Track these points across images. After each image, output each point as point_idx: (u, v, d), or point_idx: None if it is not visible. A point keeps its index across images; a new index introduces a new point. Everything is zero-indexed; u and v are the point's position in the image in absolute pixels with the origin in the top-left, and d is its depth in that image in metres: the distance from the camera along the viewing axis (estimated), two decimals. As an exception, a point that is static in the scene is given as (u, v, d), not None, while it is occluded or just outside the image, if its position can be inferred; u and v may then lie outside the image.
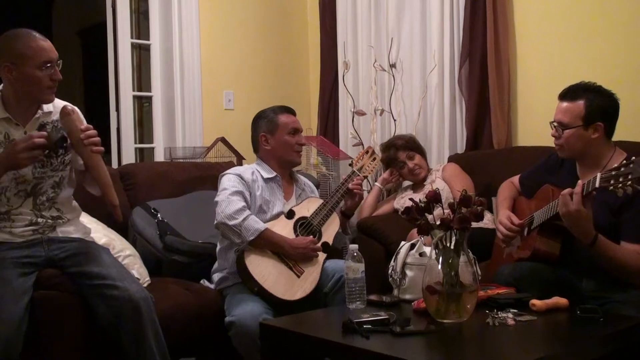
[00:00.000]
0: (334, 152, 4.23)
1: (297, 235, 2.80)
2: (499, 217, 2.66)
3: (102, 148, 2.36)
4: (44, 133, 2.31)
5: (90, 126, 2.36)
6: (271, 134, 2.93)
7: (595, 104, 2.41)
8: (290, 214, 2.85)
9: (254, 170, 2.93)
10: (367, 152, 3.11)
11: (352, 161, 3.14)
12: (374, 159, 3.10)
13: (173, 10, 4.11)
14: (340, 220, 2.98)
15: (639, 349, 2.09)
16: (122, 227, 3.05)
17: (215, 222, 2.75)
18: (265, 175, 2.91)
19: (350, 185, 2.93)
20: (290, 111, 3.02)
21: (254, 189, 2.87)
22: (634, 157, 2.05)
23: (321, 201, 2.93)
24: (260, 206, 2.85)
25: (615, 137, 2.50)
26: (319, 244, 2.81)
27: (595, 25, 3.44)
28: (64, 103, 2.44)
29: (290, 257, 2.73)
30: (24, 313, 2.23)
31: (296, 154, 2.98)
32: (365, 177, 3.12)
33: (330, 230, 2.89)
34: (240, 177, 2.85)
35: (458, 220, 2.03)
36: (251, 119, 4.46)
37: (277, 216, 2.85)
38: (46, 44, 2.34)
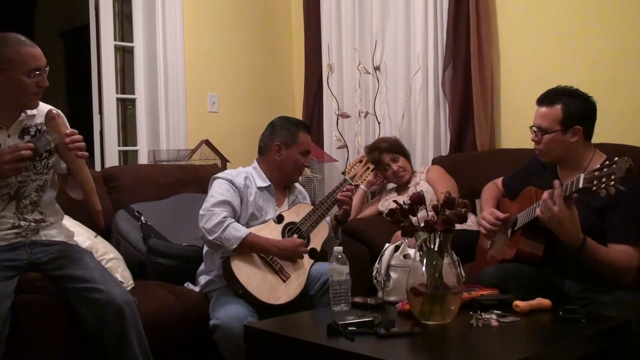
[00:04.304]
0: (318, 154, 4.23)
1: None
2: (482, 214, 2.68)
3: (86, 153, 2.35)
4: (31, 145, 2.28)
5: (76, 131, 2.35)
6: (286, 147, 2.91)
7: (573, 108, 2.43)
8: (279, 219, 2.84)
9: (248, 175, 2.91)
10: (360, 161, 3.10)
11: (344, 169, 3.13)
12: (368, 168, 3.09)
13: (157, 13, 4.09)
14: (332, 225, 2.98)
15: (621, 349, 2.11)
16: (106, 230, 3.03)
17: (199, 235, 2.75)
18: (259, 184, 2.90)
19: (338, 196, 2.92)
20: (309, 130, 3.03)
21: (246, 194, 2.85)
22: (616, 158, 2.07)
23: (311, 207, 2.93)
24: (253, 213, 2.84)
25: (595, 140, 2.52)
26: (307, 250, 2.80)
27: (576, 29, 3.47)
28: (48, 107, 2.42)
29: (277, 258, 2.72)
30: (6, 317, 2.21)
31: (299, 173, 3.01)
32: (357, 185, 3.11)
33: (319, 237, 2.88)
34: (232, 182, 2.83)
35: (442, 222, 2.04)
36: (235, 122, 4.51)
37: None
38: (36, 50, 2.33)
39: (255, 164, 2.99)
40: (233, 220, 2.72)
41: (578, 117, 2.44)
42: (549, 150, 2.48)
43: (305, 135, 2.95)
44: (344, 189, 2.93)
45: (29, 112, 2.42)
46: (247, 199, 2.85)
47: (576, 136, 2.44)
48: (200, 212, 2.74)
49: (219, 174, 2.91)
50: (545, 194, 2.26)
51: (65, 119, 2.42)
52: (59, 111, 2.40)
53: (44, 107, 2.43)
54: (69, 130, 2.34)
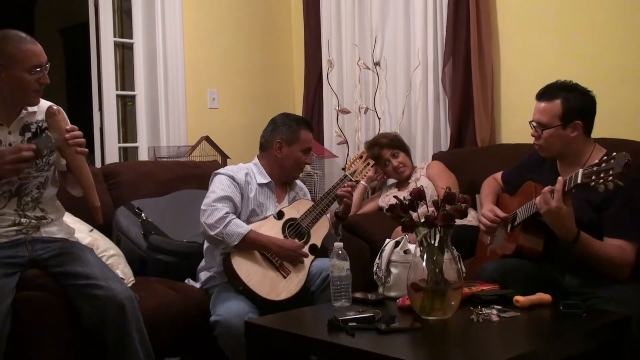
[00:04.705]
0: (318, 150, 4.23)
1: (285, 236, 2.79)
2: (482, 210, 2.68)
3: (86, 149, 2.35)
4: (33, 146, 2.28)
5: (76, 127, 2.35)
6: (288, 144, 2.91)
7: (572, 103, 2.43)
8: (279, 215, 2.84)
9: (248, 171, 2.91)
10: (360, 156, 3.10)
11: (345, 165, 3.13)
12: (368, 163, 3.08)
13: (156, 9, 4.08)
14: (333, 221, 2.98)
15: (621, 344, 2.12)
16: (106, 227, 3.04)
17: (200, 230, 2.75)
18: (260, 180, 2.90)
19: (339, 191, 2.92)
20: (311, 128, 3.01)
21: (247, 190, 2.86)
22: (614, 153, 2.07)
23: (311, 203, 2.93)
24: (253, 209, 2.85)
25: (595, 134, 2.52)
26: (307, 246, 2.80)
27: (576, 24, 3.47)
28: (48, 103, 2.42)
29: (278, 257, 2.72)
30: (7, 314, 2.22)
31: (300, 170, 3.01)
32: (358, 181, 3.12)
33: (319, 233, 2.88)
34: (233, 178, 2.84)
35: (442, 218, 2.04)
36: (235, 118, 4.51)
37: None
38: (37, 47, 2.32)
39: (256, 160, 2.99)
40: (235, 216, 2.73)
41: (578, 112, 2.44)
42: (549, 145, 2.48)
43: (307, 133, 2.95)
44: (345, 184, 2.94)
45: (30, 109, 2.43)
46: (247, 195, 2.85)
47: (576, 131, 2.44)
48: (202, 207, 2.74)
49: (220, 170, 2.91)
50: (547, 188, 2.26)
51: (66, 115, 2.42)
52: (60, 107, 2.40)
53: (44, 104, 2.43)
54: (69, 126, 2.34)
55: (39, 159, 2.40)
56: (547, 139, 2.47)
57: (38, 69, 2.31)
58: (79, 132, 2.33)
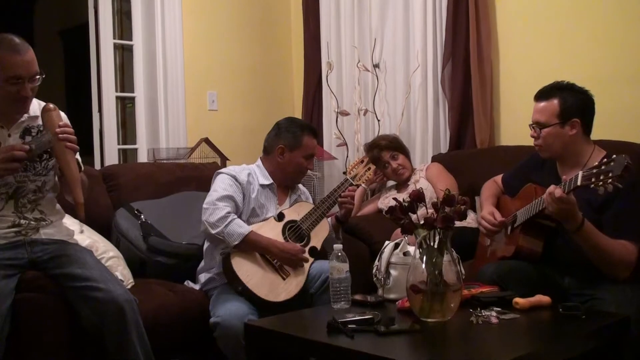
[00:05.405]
0: (317, 152, 4.22)
1: (285, 238, 2.80)
2: (482, 213, 2.68)
3: (77, 146, 2.32)
4: (26, 147, 2.27)
5: (69, 124, 2.35)
6: (290, 150, 2.91)
7: (570, 101, 2.44)
8: (279, 217, 2.84)
9: (251, 171, 2.92)
10: (362, 161, 3.10)
11: (345, 169, 3.13)
12: (369, 168, 3.09)
13: (156, 11, 4.09)
14: (333, 225, 2.99)
15: (620, 345, 2.12)
16: (106, 229, 3.04)
17: (202, 228, 2.75)
18: (262, 181, 2.91)
19: (340, 199, 2.93)
20: (315, 134, 3.01)
21: (249, 190, 2.86)
22: (614, 155, 2.07)
23: (312, 206, 2.93)
24: (254, 209, 2.85)
25: (595, 136, 2.53)
26: (307, 248, 2.80)
27: (576, 26, 3.47)
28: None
29: (277, 259, 2.73)
30: (6, 316, 2.21)
31: (302, 176, 3.02)
32: (358, 185, 3.12)
33: (319, 236, 2.88)
34: (235, 178, 2.84)
35: (441, 220, 2.04)
36: (235, 120, 4.52)
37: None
38: (18, 58, 2.25)
39: (259, 162, 3.00)
40: (236, 216, 2.73)
41: (575, 110, 2.44)
42: (548, 144, 2.48)
43: (310, 140, 2.95)
44: (346, 190, 2.94)
45: (32, 112, 2.42)
46: (249, 195, 2.86)
47: (574, 129, 2.44)
48: (204, 205, 2.74)
49: (223, 170, 2.92)
50: (551, 188, 2.25)
51: (62, 114, 2.42)
52: (56, 106, 2.40)
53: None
54: (62, 122, 2.33)
55: (38, 163, 2.40)
56: (545, 138, 2.47)
57: (16, 81, 2.27)
58: (70, 129, 2.32)
